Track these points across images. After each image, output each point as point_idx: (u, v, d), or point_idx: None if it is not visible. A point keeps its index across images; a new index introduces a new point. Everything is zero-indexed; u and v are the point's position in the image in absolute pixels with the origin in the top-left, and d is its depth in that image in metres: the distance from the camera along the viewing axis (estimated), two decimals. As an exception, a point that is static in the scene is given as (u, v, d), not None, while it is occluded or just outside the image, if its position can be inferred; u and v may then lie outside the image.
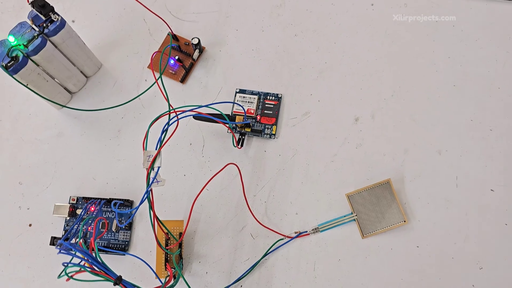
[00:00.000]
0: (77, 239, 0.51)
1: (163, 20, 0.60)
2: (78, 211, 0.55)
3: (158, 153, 0.46)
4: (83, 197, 0.56)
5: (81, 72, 0.60)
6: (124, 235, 0.54)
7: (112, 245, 0.54)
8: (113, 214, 0.55)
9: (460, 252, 0.51)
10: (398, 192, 0.53)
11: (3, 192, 0.58)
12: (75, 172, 0.58)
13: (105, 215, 0.55)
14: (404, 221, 0.51)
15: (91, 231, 0.54)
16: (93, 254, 0.42)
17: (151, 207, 0.45)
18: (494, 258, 0.50)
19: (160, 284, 0.47)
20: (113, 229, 0.54)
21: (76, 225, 0.52)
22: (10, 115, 0.61)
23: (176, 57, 0.59)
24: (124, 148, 0.58)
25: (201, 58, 0.61)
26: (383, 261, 0.51)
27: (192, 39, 0.58)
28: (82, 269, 0.41)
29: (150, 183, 0.45)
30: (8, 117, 0.61)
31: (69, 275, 0.41)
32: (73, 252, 0.42)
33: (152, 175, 0.45)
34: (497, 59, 0.57)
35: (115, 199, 0.55)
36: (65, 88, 0.59)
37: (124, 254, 0.53)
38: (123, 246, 0.54)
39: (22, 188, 0.58)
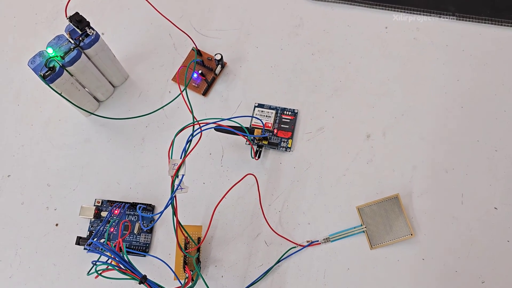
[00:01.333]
0: (103, 240, 0.55)
1: (188, 36, 0.63)
2: (103, 214, 0.59)
3: (183, 162, 0.49)
4: (108, 200, 0.59)
5: (110, 82, 0.64)
6: (145, 238, 0.58)
7: (134, 247, 0.57)
8: (135, 217, 0.58)
9: (464, 266, 0.53)
10: (406, 206, 0.56)
11: (32, 192, 0.61)
12: (101, 176, 0.61)
13: (128, 218, 0.58)
14: (411, 234, 0.54)
15: (114, 232, 0.58)
16: (121, 254, 0.45)
17: (174, 212, 0.48)
18: (496, 273, 0.53)
19: (180, 284, 0.50)
20: (135, 231, 0.58)
21: (102, 227, 0.56)
22: (41, 120, 0.65)
23: (200, 71, 0.63)
24: (147, 155, 0.62)
25: (223, 73, 0.65)
26: (389, 271, 0.54)
27: (215, 54, 0.62)
28: (110, 267, 0.44)
29: (174, 190, 0.48)
30: (39, 122, 0.65)
31: (99, 272, 0.44)
32: (102, 251, 0.46)
33: (176, 182, 0.49)
34: (503, 83, 0.60)
35: (138, 203, 0.58)
36: (94, 97, 0.63)
37: (145, 255, 0.57)
38: (144, 248, 0.57)
39: (50, 190, 0.61)
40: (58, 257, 0.58)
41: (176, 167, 0.49)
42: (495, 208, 0.55)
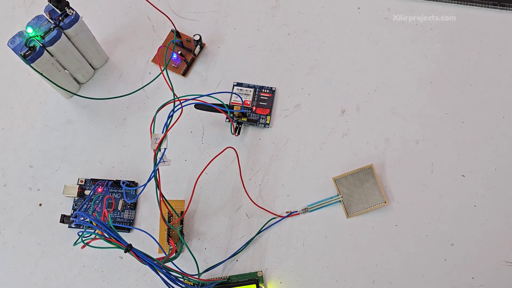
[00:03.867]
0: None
1: (167, 17, 0.65)
2: (86, 192, 0.60)
3: (165, 136, 0.50)
4: (91, 179, 0.60)
5: (90, 64, 0.65)
6: (129, 214, 0.59)
7: (118, 223, 0.58)
8: (118, 195, 0.60)
9: (434, 231, 0.56)
10: (379, 176, 0.58)
11: (15, 174, 0.62)
12: (83, 157, 0.62)
13: (111, 195, 0.59)
14: (385, 202, 0.57)
15: (98, 210, 0.59)
16: (106, 223, 0.46)
17: (158, 185, 0.50)
18: (464, 236, 0.56)
19: (165, 255, 0.51)
20: (119, 208, 0.59)
21: (86, 204, 0.57)
22: (21, 103, 0.65)
23: (179, 52, 0.64)
24: (129, 135, 0.63)
25: (202, 54, 0.66)
26: (365, 238, 0.57)
27: (194, 35, 0.63)
28: (97, 236, 0.46)
29: (157, 162, 0.50)
30: (19, 105, 0.65)
31: (85, 242, 0.46)
32: (88, 222, 0.47)
33: (159, 155, 0.50)
34: (469, 59, 0.63)
35: (121, 180, 0.59)
36: (75, 79, 0.64)
37: (129, 229, 0.58)
38: (128, 224, 0.58)
39: (33, 171, 0.62)
40: (43, 236, 0.59)
41: (158, 141, 0.50)
42: (462, 175, 0.58)
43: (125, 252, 0.46)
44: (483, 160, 0.58)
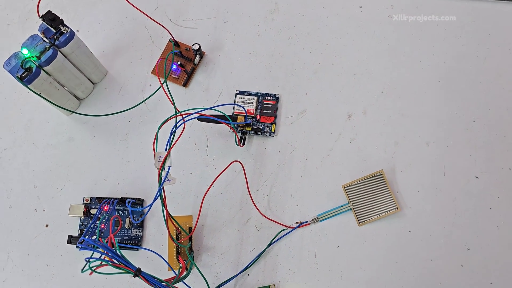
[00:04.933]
0: (94, 237, 0.55)
1: (164, 28, 0.63)
2: (92, 211, 0.59)
3: (168, 154, 0.49)
4: (96, 197, 0.59)
5: (89, 79, 0.63)
6: (136, 232, 0.58)
7: (126, 241, 0.57)
8: (125, 212, 0.59)
9: (449, 235, 0.55)
10: (390, 182, 0.57)
11: (19, 195, 0.61)
12: (87, 174, 0.61)
13: (118, 213, 0.59)
14: (397, 209, 0.55)
15: (105, 229, 0.58)
16: (113, 249, 0.45)
17: (164, 204, 0.49)
18: (480, 240, 0.54)
19: (175, 275, 0.50)
20: (126, 226, 0.58)
21: (93, 224, 0.56)
22: (22, 122, 0.65)
23: (178, 62, 0.63)
24: (132, 150, 0.62)
25: (202, 63, 0.65)
26: (378, 246, 0.55)
27: (193, 45, 0.62)
28: (104, 263, 0.45)
29: (162, 182, 0.49)
30: (20, 124, 0.64)
31: (92, 268, 0.45)
32: (94, 247, 0.46)
33: (163, 174, 0.49)
34: (478, 55, 0.61)
35: (127, 198, 0.58)
36: (74, 95, 0.63)
37: (138, 249, 0.57)
38: (136, 242, 0.57)
39: (37, 191, 0.61)
40: (51, 257, 0.58)
41: (161, 159, 0.49)
42: (476, 177, 0.57)
43: (133, 276, 0.45)
44: (496, 160, 0.57)
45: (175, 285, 0.48)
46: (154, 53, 0.66)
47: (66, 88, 0.60)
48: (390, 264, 0.54)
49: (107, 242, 0.46)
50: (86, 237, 0.54)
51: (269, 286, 0.55)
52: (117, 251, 0.45)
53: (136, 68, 0.66)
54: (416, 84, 0.61)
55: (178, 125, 0.51)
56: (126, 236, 0.58)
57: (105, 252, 0.45)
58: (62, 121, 0.64)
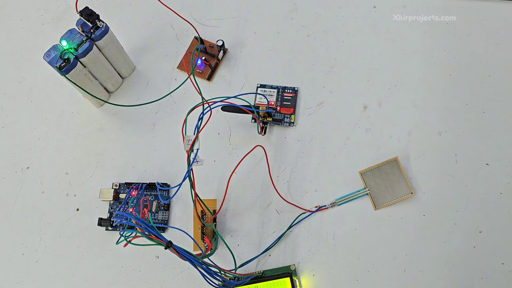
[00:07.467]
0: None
1: (190, 24, 0.67)
2: (121, 196, 0.62)
3: (197, 137, 0.53)
4: (125, 183, 0.63)
5: (118, 73, 0.67)
6: (163, 215, 0.61)
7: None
8: (152, 197, 0.62)
9: (462, 219, 0.57)
10: (404, 168, 0.60)
11: (52, 181, 0.65)
12: (116, 162, 0.65)
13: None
14: (411, 193, 0.58)
15: (134, 213, 0.61)
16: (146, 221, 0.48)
17: (192, 185, 0.52)
18: (492, 223, 0.57)
19: (201, 251, 0.53)
20: (153, 209, 0.61)
21: (122, 207, 0.59)
22: (55, 113, 0.68)
23: (203, 58, 0.67)
24: (159, 139, 0.65)
25: (225, 58, 0.69)
26: (394, 229, 0.58)
27: (217, 41, 0.66)
28: (138, 234, 0.48)
29: (191, 163, 0.52)
30: (53, 116, 0.68)
31: (128, 239, 0.48)
32: (128, 220, 0.49)
33: (192, 156, 0.52)
34: (487, 51, 0.65)
35: (155, 182, 0.62)
36: (105, 88, 0.67)
37: (166, 228, 0.60)
38: (163, 224, 0.60)
39: (69, 178, 0.65)
40: (81, 239, 0.61)
41: (191, 142, 0.53)
42: (486, 164, 0.59)
43: (165, 248, 0.48)
44: (506, 148, 0.60)
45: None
46: (179, 50, 0.70)
47: (98, 80, 0.64)
48: (405, 246, 0.57)
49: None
50: (121, 210, 0.57)
51: (289, 266, 0.57)
52: (151, 223, 0.48)
53: (162, 63, 0.70)
54: (428, 78, 0.64)
55: (205, 111, 0.54)
56: (153, 219, 0.61)
57: (139, 223, 0.48)
58: (92, 112, 0.68)
